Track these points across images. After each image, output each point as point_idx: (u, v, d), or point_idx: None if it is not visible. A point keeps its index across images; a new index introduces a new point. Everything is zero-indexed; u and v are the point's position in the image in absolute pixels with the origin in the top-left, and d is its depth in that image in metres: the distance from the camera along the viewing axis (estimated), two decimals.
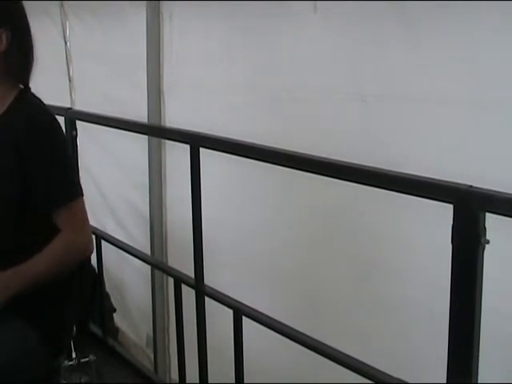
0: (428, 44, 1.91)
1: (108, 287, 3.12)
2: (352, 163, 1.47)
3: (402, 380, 1.49)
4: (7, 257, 1.68)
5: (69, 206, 1.67)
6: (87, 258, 1.80)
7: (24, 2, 1.76)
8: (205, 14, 2.78)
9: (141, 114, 3.06)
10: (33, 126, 1.64)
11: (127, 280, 3.71)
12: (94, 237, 2.60)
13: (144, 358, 3.49)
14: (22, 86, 1.75)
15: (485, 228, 1.20)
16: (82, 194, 1.71)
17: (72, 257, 1.71)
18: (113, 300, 3.34)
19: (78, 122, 2.52)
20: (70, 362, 2.21)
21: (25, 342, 1.70)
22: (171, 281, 2.25)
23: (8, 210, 1.67)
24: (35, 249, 1.66)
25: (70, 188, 1.69)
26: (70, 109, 2.74)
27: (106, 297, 3.03)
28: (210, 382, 2.09)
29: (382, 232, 2.12)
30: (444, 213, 1.24)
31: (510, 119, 1.72)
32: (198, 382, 2.11)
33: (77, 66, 4.08)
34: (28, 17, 1.74)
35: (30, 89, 1.75)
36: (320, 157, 1.56)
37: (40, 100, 1.74)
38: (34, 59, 1.75)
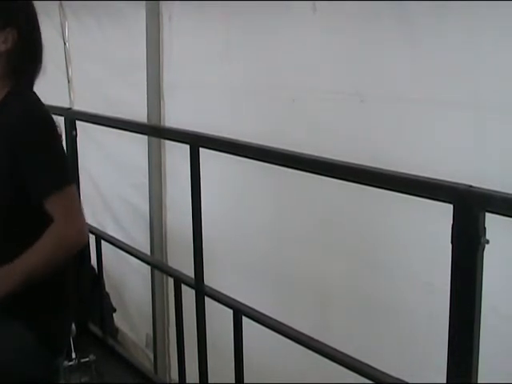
0: (427, 44, 1.91)
1: (107, 287, 3.12)
2: (352, 163, 1.47)
3: (401, 380, 1.49)
4: None
5: (59, 193, 1.63)
6: (81, 247, 1.71)
7: None
8: (204, 14, 2.78)
9: (140, 115, 3.06)
10: (24, 115, 1.63)
11: (127, 280, 3.71)
12: (94, 237, 2.63)
13: (144, 358, 3.49)
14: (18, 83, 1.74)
15: (484, 228, 1.20)
16: (73, 182, 1.69)
17: (63, 251, 1.67)
18: (112, 300, 3.34)
19: (77, 123, 2.52)
20: (70, 363, 2.21)
21: (24, 343, 1.70)
22: (171, 281, 2.25)
23: (2, 203, 1.67)
24: (26, 241, 1.64)
25: (58, 176, 1.66)
26: (69, 109, 2.74)
27: (105, 297, 3.03)
28: (209, 382, 2.09)
29: (382, 232, 2.13)
30: (444, 213, 1.24)
31: (509, 119, 1.72)
32: (197, 382, 2.11)
33: (76, 67, 4.08)
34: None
35: (34, 92, 1.74)
36: (320, 157, 1.56)
37: (34, 93, 1.73)
38: (41, 62, 1.74)
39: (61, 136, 1.80)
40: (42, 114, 1.67)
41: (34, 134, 1.63)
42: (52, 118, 1.71)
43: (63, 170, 1.70)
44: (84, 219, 1.71)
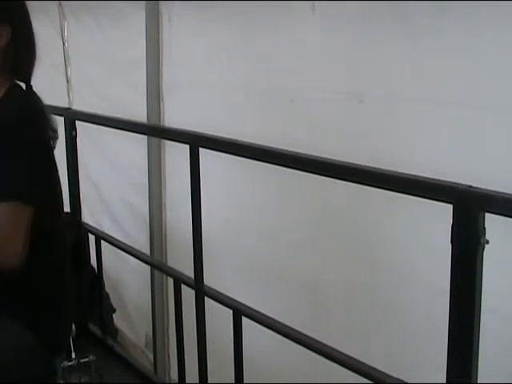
0: (427, 44, 1.91)
1: (107, 287, 3.12)
2: (352, 163, 1.47)
3: (401, 380, 1.49)
4: None
5: (6, 204, 1.52)
6: (11, 266, 1.54)
7: None
8: (204, 14, 2.78)
9: (140, 115, 3.06)
10: (12, 117, 1.60)
11: (126, 280, 3.71)
12: (93, 237, 2.62)
13: (143, 359, 3.48)
14: (17, 82, 1.73)
15: (484, 228, 1.20)
16: (32, 205, 1.54)
17: None
18: (112, 300, 3.34)
19: (76, 122, 2.52)
20: (70, 363, 2.21)
21: (23, 342, 1.70)
22: (171, 281, 2.25)
23: None
24: None
25: (19, 188, 1.55)
26: (69, 109, 2.75)
27: (105, 297, 3.03)
28: (209, 382, 2.09)
29: (382, 233, 2.13)
30: (444, 213, 1.24)
31: (509, 119, 1.72)
32: (197, 382, 2.11)
33: (75, 67, 4.08)
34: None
35: (31, 86, 1.74)
36: (320, 157, 1.56)
37: (36, 96, 1.72)
38: (36, 57, 1.74)
39: (55, 138, 1.73)
40: (36, 114, 1.64)
41: (20, 133, 1.57)
42: (45, 125, 1.65)
43: (32, 184, 1.58)
44: (20, 250, 1.53)
